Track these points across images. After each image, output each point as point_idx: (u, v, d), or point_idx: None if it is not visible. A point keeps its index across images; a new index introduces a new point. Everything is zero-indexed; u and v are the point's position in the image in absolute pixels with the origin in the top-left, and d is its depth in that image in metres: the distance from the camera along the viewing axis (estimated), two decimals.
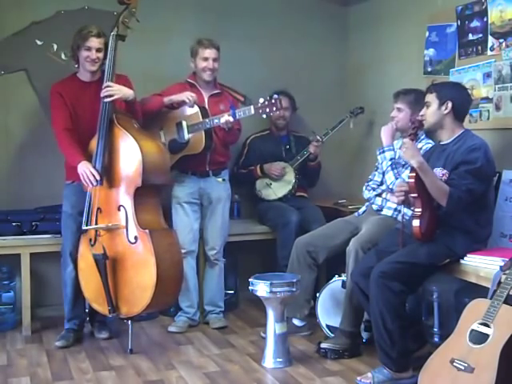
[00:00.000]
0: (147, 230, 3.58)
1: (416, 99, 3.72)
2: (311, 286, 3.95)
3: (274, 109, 3.93)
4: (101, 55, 3.77)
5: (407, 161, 3.14)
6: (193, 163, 4.12)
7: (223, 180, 4.30)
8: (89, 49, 3.74)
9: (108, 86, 3.69)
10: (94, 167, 3.63)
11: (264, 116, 3.97)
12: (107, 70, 3.73)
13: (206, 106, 4.17)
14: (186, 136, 4.10)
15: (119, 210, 3.65)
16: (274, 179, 4.64)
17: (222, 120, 4.00)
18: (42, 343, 3.92)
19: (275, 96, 3.95)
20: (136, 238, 3.59)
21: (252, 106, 3.97)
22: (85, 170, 3.63)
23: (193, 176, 4.20)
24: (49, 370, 3.47)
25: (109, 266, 3.59)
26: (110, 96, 3.67)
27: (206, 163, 4.20)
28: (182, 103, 4.06)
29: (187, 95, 4.03)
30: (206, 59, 4.17)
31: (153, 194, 3.78)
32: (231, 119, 4.00)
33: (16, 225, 4.10)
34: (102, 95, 3.69)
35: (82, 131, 3.78)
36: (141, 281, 3.56)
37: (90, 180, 3.62)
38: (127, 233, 3.62)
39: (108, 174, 3.67)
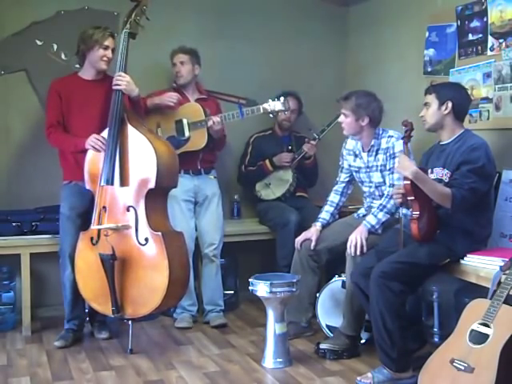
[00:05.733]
0: (160, 233, 3.58)
1: (357, 104, 3.68)
2: (315, 288, 3.95)
3: (283, 108, 4.14)
4: (112, 55, 3.82)
5: (401, 174, 3.14)
6: (185, 162, 4.13)
7: (214, 177, 4.39)
8: (106, 48, 3.78)
9: (120, 76, 3.72)
10: (104, 168, 3.63)
11: (271, 115, 4.22)
12: (119, 66, 3.75)
13: None
14: (187, 133, 4.15)
15: (128, 210, 3.64)
16: (285, 169, 4.63)
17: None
18: (42, 343, 3.92)
19: (282, 97, 4.12)
20: (147, 239, 3.59)
21: (261, 106, 4.11)
22: (92, 140, 3.66)
23: (186, 174, 4.24)
24: (49, 370, 3.47)
25: (115, 266, 3.58)
26: (119, 85, 3.70)
27: (197, 161, 4.28)
28: (166, 106, 4.16)
29: (168, 99, 4.14)
30: (174, 64, 4.32)
31: (162, 195, 3.79)
32: (240, 117, 4.15)
33: (16, 225, 4.10)
34: (113, 82, 3.72)
35: (80, 129, 3.78)
36: (151, 282, 3.55)
37: (101, 145, 3.65)
38: (137, 234, 3.60)
39: (119, 174, 3.65)
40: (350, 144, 3.92)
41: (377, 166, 3.77)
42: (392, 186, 3.68)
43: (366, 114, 3.69)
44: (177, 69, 4.30)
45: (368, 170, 3.82)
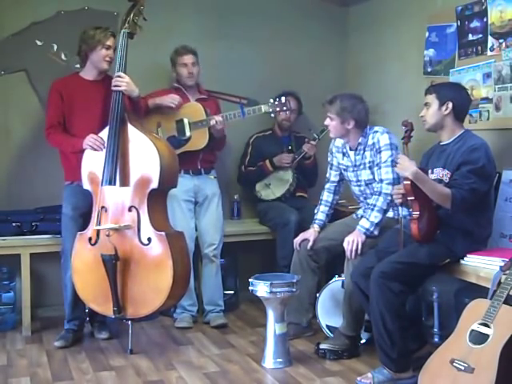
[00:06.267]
0: (163, 233, 3.58)
1: (342, 108, 3.69)
2: (314, 289, 3.95)
3: (285, 108, 4.19)
4: (114, 55, 3.82)
5: (402, 174, 3.14)
6: (185, 161, 4.13)
7: (214, 177, 4.39)
8: (109, 48, 3.78)
9: (119, 77, 3.71)
10: (106, 168, 3.62)
11: (272, 115, 4.28)
12: (118, 67, 3.75)
13: None
14: (188, 133, 4.16)
15: (130, 210, 3.63)
16: (285, 169, 4.65)
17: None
18: (42, 343, 3.92)
19: (283, 97, 4.16)
20: (150, 239, 3.58)
21: (262, 106, 4.15)
22: (90, 140, 3.66)
23: (186, 174, 4.25)
24: (49, 371, 3.47)
25: (117, 267, 3.57)
26: (119, 86, 3.69)
27: (197, 161, 4.28)
28: (167, 107, 4.16)
29: (170, 100, 4.14)
30: (185, 65, 4.30)
31: (163, 195, 3.79)
32: (242, 117, 4.18)
33: (16, 225, 4.11)
34: (113, 83, 3.71)
35: (81, 129, 3.77)
36: (155, 283, 3.55)
37: (99, 145, 3.66)
38: (139, 234, 3.60)
39: (119, 174, 3.65)
40: (339, 141, 3.92)
41: (364, 163, 3.78)
42: (381, 181, 3.69)
43: (351, 117, 3.69)
44: (189, 70, 4.29)
45: (356, 168, 3.83)
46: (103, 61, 3.79)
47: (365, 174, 3.79)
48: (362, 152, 3.77)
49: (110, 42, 3.78)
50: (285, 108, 4.18)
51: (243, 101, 4.35)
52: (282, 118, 4.71)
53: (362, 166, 3.79)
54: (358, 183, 3.85)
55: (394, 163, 3.65)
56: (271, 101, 4.15)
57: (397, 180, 3.63)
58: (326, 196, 4.03)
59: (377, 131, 3.75)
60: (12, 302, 4.19)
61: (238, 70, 4.81)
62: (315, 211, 4.04)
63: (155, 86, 4.37)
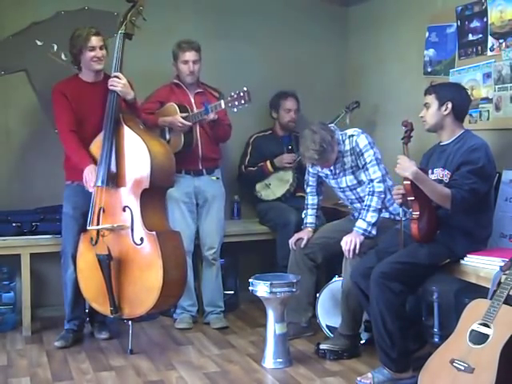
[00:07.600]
0: (154, 232, 3.58)
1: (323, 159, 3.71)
2: (313, 288, 3.95)
3: (243, 101, 3.90)
4: (104, 53, 3.79)
5: (402, 174, 3.14)
6: (186, 161, 4.12)
7: (217, 178, 4.34)
8: (93, 48, 3.74)
9: (117, 77, 3.70)
10: (100, 169, 3.62)
11: (234, 110, 3.96)
12: (114, 68, 3.73)
13: (193, 104, 4.23)
14: (167, 136, 4.15)
15: (124, 210, 3.64)
16: (285, 170, 4.64)
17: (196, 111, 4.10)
18: (42, 343, 3.92)
19: (244, 89, 3.90)
20: (142, 239, 3.59)
21: (222, 101, 3.99)
22: (89, 173, 3.65)
23: (187, 175, 4.22)
24: (49, 371, 3.47)
25: (112, 267, 3.58)
26: (115, 86, 3.68)
27: (198, 160, 4.23)
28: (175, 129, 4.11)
29: (179, 124, 4.05)
30: (186, 62, 4.21)
31: (158, 195, 3.79)
32: (206, 114, 4.05)
33: (16, 225, 4.11)
34: (109, 83, 3.70)
35: (84, 132, 3.77)
36: (146, 282, 3.56)
37: (89, 184, 3.65)
38: (132, 234, 3.61)
39: (114, 174, 3.65)
40: None
41: (344, 170, 3.78)
42: (371, 181, 3.69)
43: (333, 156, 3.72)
44: (190, 68, 4.20)
45: (335, 176, 3.84)
46: (91, 62, 3.76)
47: (346, 181, 3.80)
48: (340, 159, 3.77)
49: (92, 43, 3.72)
50: (243, 101, 3.89)
51: (215, 93, 4.31)
52: (287, 119, 4.71)
53: (341, 174, 3.80)
54: (341, 189, 3.87)
55: (378, 160, 3.70)
56: (231, 94, 3.93)
57: (386, 176, 3.67)
58: (311, 200, 4.05)
59: (352, 135, 3.75)
60: (12, 302, 4.19)
61: (238, 70, 4.81)
62: (303, 216, 4.05)
63: (155, 86, 4.36)
